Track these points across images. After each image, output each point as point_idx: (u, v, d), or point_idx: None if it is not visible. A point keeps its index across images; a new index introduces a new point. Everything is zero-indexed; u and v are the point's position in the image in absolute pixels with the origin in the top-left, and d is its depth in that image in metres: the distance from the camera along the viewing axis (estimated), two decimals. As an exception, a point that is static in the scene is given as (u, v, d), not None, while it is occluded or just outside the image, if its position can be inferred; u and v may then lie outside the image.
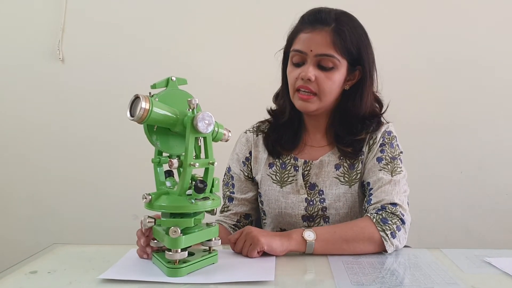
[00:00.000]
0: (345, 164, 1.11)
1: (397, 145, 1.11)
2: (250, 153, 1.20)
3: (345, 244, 0.93)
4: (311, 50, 1.02)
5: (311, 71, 1.02)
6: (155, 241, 0.85)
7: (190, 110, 0.78)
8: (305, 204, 1.11)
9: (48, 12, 2.14)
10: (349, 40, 1.03)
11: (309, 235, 0.92)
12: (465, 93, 2.04)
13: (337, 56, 1.02)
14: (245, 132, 1.23)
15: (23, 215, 2.22)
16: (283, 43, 1.14)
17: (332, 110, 1.12)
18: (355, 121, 1.10)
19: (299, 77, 1.04)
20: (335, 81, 1.04)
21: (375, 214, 0.97)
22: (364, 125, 1.10)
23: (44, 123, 2.18)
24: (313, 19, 1.05)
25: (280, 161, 1.15)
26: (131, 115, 0.76)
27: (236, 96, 2.07)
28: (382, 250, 0.95)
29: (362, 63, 1.07)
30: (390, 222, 0.95)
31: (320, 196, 1.10)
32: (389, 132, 1.12)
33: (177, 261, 0.79)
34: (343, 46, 1.02)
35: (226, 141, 0.87)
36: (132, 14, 2.13)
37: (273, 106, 1.21)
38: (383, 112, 1.15)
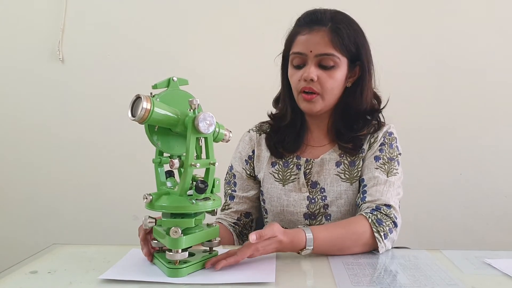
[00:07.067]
0: (345, 162, 1.12)
1: (397, 146, 1.12)
2: (253, 151, 1.21)
3: (342, 251, 0.94)
4: (310, 51, 1.03)
5: (313, 71, 1.03)
6: (156, 241, 0.85)
7: (191, 110, 0.78)
8: (307, 202, 1.12)
9: (48, 13, 2.14)
10: (347, 37, 1.04)
11: (305, 252, 0.90)
12: (464, 95, 2.03)
13: (337, 55, 1.03)
14: (248, 131, 1.24)
15: (23, 215, 2.22)
16: (282, 44, 1.14)
17: (333, 108, 1.13)
18: (356, 117, 1.12)
19: (301, 78, 1.05)
20: (337, 79, 1.06)
21: (370, 214, 0.98)
22: (366, 121, 1.12)
23: (44, 123, 2.18)
24: (309, 20, 1.06)
25: (283, 159, 1.16)
26: (133, 115, 0.76)
27: (237, 96, 2.07)
28: (374, 250, 0.96)
29: (361, 59, 1.08)
30: (384, 223, 0.97)
31: (321, 194, 1.11)
32: (390, 133, 1.13)
33: (178, 261, 0.79)
34: (342, 44, 1.03)
35: (227, 141, 0.88)
36: (132, 15, 2.13)
37: (273, 110, 1.21)
38: (383, 107, 1.16)
